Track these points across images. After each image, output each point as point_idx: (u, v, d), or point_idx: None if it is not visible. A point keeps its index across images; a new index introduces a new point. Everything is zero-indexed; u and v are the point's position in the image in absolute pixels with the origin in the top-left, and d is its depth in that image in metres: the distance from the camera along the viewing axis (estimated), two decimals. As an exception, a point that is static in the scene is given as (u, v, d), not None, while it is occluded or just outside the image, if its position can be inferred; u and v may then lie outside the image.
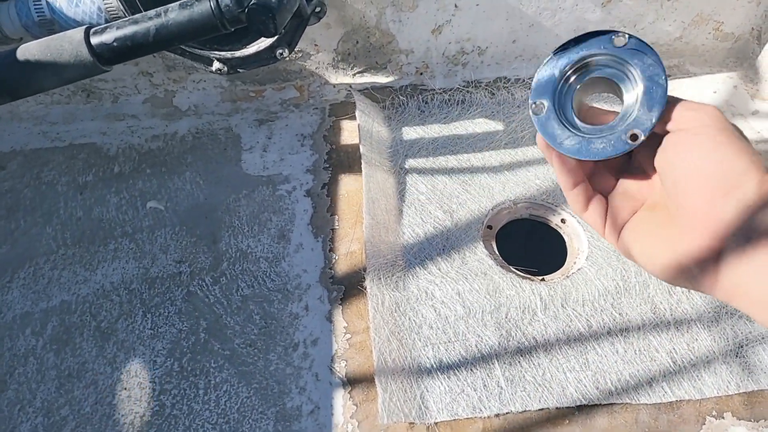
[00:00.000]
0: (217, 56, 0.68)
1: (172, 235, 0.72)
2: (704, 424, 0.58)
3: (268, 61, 0.70)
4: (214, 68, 0.69)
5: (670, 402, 0.59)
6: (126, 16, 0.62)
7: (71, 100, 0.83)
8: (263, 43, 0.68)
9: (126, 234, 0.72)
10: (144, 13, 0.55)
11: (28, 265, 0.69)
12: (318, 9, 0.72)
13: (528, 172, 0.77)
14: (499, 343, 0.62)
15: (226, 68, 0.69)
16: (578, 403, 0.58)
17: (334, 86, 0.88)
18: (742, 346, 0.61)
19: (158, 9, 0.55)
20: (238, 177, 0.78)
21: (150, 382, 0.60)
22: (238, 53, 0.68)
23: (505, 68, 0.89)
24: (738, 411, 0.59)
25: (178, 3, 0.55)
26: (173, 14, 0.54)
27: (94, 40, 0.56)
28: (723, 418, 0.58)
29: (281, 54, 0.68)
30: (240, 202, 0.75)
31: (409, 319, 0.64)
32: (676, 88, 0.90)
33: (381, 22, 0.80)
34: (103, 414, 0.58)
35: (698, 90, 0.89)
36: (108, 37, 0.56)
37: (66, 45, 0.56)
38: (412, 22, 0.80)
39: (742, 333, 0.62)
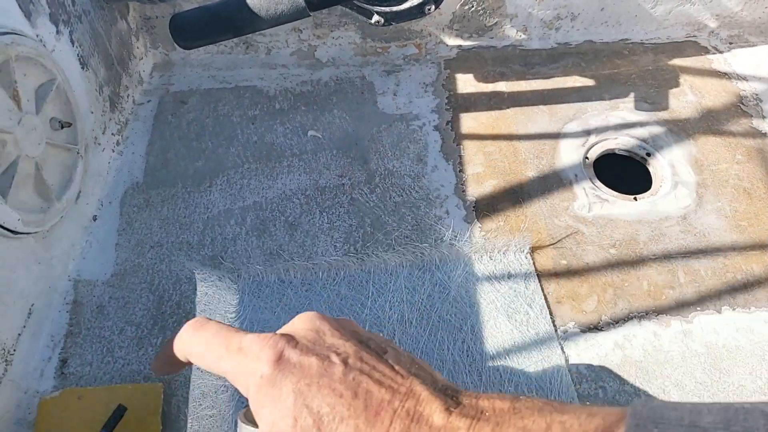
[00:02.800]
0: (378, 10, 0.85)
1: (331, 157, 0.88)
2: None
3: (417, 15, 0.86)
4: (373, 21, 0.86)
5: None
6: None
7: (233, 51, 1.00)
8: (415, 0, 0.84)
9: (295, 155, 0.88)
10: (349, -32, 0.71)
11: (221, 175, 0.86)
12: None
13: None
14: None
15: (382, 20, 0.85)
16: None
17: (447, 45, 1.04)
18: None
19: (360, -35, 0.71)
20: (376, 114, 0.94)
21: (333, 260, 0.76)
22: (395, 8, 0.84)
23: (591, 33, 1.05)
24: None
25: (377, -40, 0.71)
26: (373, -31, 0.70)
27: (308, -11, 0.72)
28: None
29: (429, 9, 0.84)
30: (381, 134, 0.92)
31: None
32: (737, 55, 1.05)
33: (496, -11, 0.96)
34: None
35: (756, 56, 1.05)
36: (319, -13, 0.72)
37: (286, -7, 0.72)
38: (522, -10, 0.96)
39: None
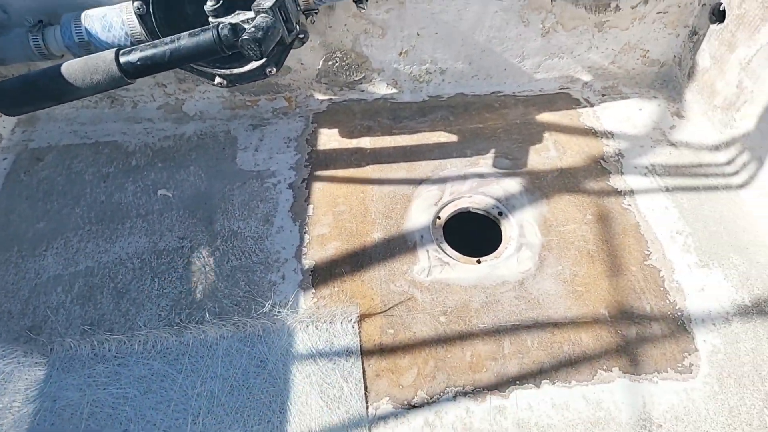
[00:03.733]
0: (219, 73, 0.84)
1: (177, 217, 0.87)
2: (595, 375, 0.72)
3: (259, 77, 0.86)
4: (215, 82, 0.85)
5: (570, 359, 0.73)
6: (147, 41, 0.78)
7: (98, 105, 1.00)
8: (256, 63, 0.83)
9: (140, 215, 0.87)
10: (161, 39, 0.71)
11: (60, 237, 0.84)
12: (302, 36, 0.89)
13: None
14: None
15: (225, 82, 0.85)
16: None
17: (317, 99, 1.04)
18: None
19: (173, 36, 0.71)
20: (233, 171, 0.94)
21: (155, 330, 0.75)
22: (235, 71, 0.84)
23: (463, 86, 1.05)
24: (624, 367, 0.73)
25: (188, 32, 0.71)
26: (184, 41, 0.70)
27: (122, 59, 0.72)
28: (611, 371, 0.72)
29: (270, 71, 0.84)
30: (234, 192, 0.91)
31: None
32: (608, 108, 1.05)
33: (356, 45, 0.96)
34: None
35: (627, 108, 1.04)
36: (133, 57, 0.72)
37: (100, 63, 0.72)
38: (382, 46, 0.96)
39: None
